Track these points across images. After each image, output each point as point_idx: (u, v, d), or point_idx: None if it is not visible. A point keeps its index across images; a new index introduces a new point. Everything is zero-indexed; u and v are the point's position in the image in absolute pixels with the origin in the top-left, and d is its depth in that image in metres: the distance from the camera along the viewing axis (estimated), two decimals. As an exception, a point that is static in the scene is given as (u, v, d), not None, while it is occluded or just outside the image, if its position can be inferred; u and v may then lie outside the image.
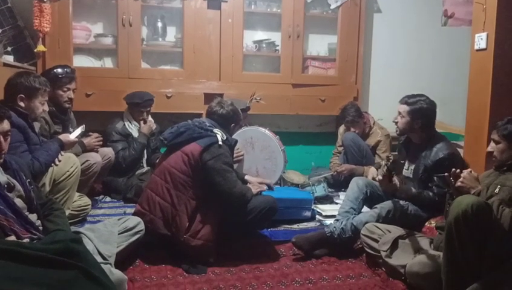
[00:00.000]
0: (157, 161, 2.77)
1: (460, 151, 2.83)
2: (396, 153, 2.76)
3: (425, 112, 2.54)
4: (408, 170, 2.68)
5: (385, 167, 2.44)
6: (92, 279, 1.47)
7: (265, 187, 2.61)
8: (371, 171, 3.36)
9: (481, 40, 2.59)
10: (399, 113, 2.61)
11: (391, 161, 2.42)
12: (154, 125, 3.47)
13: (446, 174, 2.03)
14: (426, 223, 2.54)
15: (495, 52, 2.52)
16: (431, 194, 2.48)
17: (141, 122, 3.38)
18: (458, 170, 2.01)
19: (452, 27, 3.23)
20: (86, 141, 2.89)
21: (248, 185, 2.54)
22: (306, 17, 4.00)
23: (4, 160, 1.81)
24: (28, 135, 2.37)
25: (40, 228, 1.82)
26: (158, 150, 3.52)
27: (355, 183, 2.65)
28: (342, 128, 3.92)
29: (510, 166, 2.01)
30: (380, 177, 2.47)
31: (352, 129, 3.72)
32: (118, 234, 2.10)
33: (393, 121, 2.68)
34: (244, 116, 3.26)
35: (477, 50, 2.64)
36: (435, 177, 2.43)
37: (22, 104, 2.41)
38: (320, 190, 3.27)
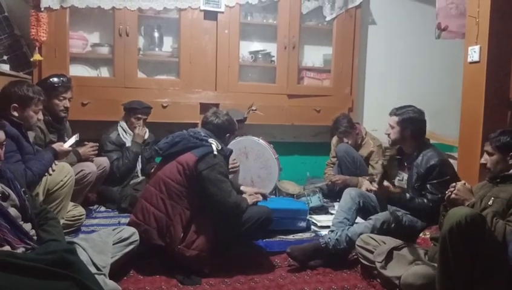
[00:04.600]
0: (152, 170, 2.76)
1: (454, 162, 2.86)
2: (391, 148, 2.77)
3: (413, 120, 2.62)
4: (402, 180, 2.71)
5: (382, 164, 2.47)
6: (86, 290, 1.46)
7: (260, 197, 2.61)
8: (365, 183, 3.37)
9: (474, 53, 2.63)
10: (390, 125, 2.69)
11: (387, 157, 2.45)
12: (147, 133, 3.46)
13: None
14: (421, 235, 2.54)
15: (488, 64, 2.55)
16: (425, 200, 2.51)
17: (135, 129, 3.38)
18: (453, 184, 2.03)
19: (446, 40, 3.27)
20: (81, 150, 2.88)
21: (244, 195, 2.54)
22: (302, 28, 4.04)
23: (-1, 169, 1.80)
24: (21, 144, 2.35)
25: (35, 237, 1.80)
26: (153, 160, 3.51)
27: (348, 194, 2.68)
28: (335, 140, 3.93)
29: (503, 178, 2.04)
30: (376, 185, 2.50)
31: (345, 140, 3.74)
32: (113, 244, 2.09)
33: (385, 133, 2.74)
34: (241, 126, 3.27)
35: (470, 63, 2.67)
36: (428, 185, 2.50)
37: (15, 113, 2.40)
38: (315, 200, 3.27)
